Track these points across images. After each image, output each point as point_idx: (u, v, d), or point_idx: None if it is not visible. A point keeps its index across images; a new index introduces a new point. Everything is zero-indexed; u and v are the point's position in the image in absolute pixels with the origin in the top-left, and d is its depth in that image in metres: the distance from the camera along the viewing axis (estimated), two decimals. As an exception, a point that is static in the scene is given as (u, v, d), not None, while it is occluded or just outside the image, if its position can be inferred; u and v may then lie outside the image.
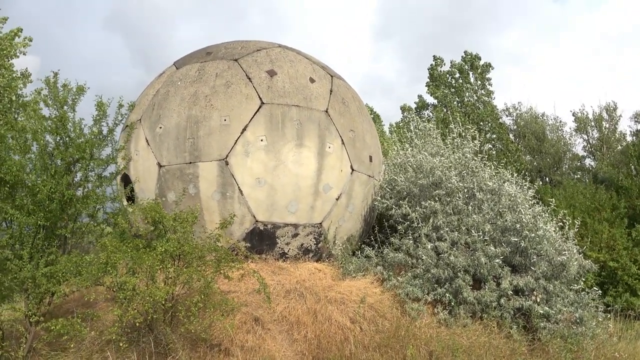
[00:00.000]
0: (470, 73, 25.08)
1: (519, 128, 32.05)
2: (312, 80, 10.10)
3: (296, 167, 9.28)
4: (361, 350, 6.31)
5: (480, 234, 7.97)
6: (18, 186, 5.96)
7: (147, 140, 9.57)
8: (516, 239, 8.08)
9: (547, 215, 8.65)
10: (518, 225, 8.14)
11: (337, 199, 9.78)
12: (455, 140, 9.92)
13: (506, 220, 8.38)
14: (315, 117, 9.66)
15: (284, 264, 9.33)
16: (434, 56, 24.90)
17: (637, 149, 17.51)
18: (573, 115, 41.63)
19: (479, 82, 25.05)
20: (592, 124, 41.82)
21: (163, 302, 5.60)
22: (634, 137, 36.83)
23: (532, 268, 7.92)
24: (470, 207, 8.51)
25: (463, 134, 10.06)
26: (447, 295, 7.71)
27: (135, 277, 5.58)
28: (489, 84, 24.75)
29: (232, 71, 9.76)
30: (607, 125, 41.68)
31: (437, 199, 8.68)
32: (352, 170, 10.00)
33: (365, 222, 10.74)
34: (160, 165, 9.32)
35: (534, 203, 8.77)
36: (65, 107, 6.53)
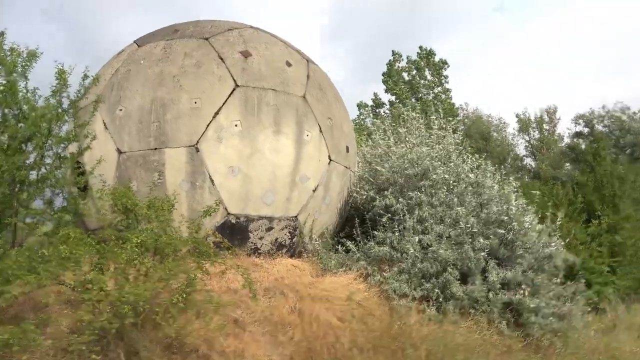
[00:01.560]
0: (427, 69, 25.26)
1: (466, 128, 32.86)
2: (288, 64, 9.49)
3: (273, 156, 8.65)
4: (355, 352, 5.83)
5: (469, 226, 7.71)
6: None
7: (104, 124, 8.58)
8: (503, 231, 7.90)
9: (530, 208, 8.55)
10: (505, 218, 7.96)
11: (313, 191, 9.24)
12: (437, 132, 9.66)
13: (491, 213, 8.19)
14: (293, 102, 9.06)
15: (258, 260, 8.67)
16: (392, 51, 24.91)
17: (591, 147, 18.20)
18: (516, 116, 43.39)
19: (435, 79, 25.30)
20: (534, 125, 43.85)
21: (141, 303, 4.83)
22: (575, 139, 38.96)
23: (519, 261, 7.76)
24: (456, 199, 8.24)
25: (444, 126, 9.83)
26: (436, 290, 7.39)
27: (105, 275, 4.78)
28: (446, 82, 25.03)
29: (203, 50, 8.97)
30: (547, 127, 43.85)
31: (422, 190, 8.35)
32: (330, 160, 9.50)
33: (340, 216, 10.27)
34: (120, 152, 8.39)
35: (519, 196, 8.65)
36: (15, 75, 5.55)
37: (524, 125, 42.52)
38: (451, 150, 9.27)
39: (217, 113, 8.43)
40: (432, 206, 8.32)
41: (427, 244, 7.87)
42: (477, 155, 9.52)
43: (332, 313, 6.66)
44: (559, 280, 8.15)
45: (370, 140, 11.48)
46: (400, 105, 24.50)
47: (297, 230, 9.23)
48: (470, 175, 8.87)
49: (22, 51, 5.71)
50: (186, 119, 8.35)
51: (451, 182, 8.63)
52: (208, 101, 8.46)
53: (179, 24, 10.02)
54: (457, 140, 9.50)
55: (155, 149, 8.29)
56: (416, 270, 7.58)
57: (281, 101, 8.91)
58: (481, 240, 7.55)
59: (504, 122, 43.62)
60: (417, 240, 7.70)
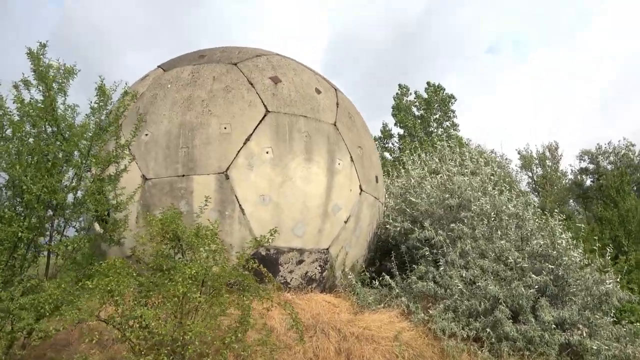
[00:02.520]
0: (436, 104, 25.22)
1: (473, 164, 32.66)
2: (317, 91, 9.20)
3: (305, 184, 8.22)
4: (416, 399, 5.24)
5: (519, 260, 7.21)
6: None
7: (129, 149, 8.15)
8: (552, 266, 7.40)
9: (576, 242, 8.09)
10: (554, 252, 7.48)
11: (345, 222, 8.77)
12: (470, 162, 9.29)
13: (535, 246, 7.71)
14: (324, 129, 8.71)
15: (288, 295, 8.10)
16: (399, 85, 24.91)
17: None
18: (518, 153, 43.46)
19: (443, 114, 25.23)
20: (537, 162, 43.86)
21: (197, 343, 4.26)
22: (581, 175, 38.86)
23: (573, 298, 7.24)
24: (499, 232, 7.77)
25: (474, 158, 9.47)
26: (487, 330, 6.82)
27: (153, 310, 4.23)
28: (454, 116, 24.96)
29: (232, 75, 8.67)
30: (550, 164, 43.88)
31: (463, 221, 7.89)
32: (361, 190, 9.07)
33: (369, 249, 9.76)
34: (145, 178, 7.93)
35: (564, 229, 8.20)
36: (54, 90, 5.14)
37: (526, 161, 42.53)
38: (486, 181, 8.86)
39: (248, 139, 8.04)
40: (474, 239, 7.84)
41: (471, 280, 7.34)
42: (514, 187, 9.09)
43: (381, 355, 6.07)
44: (611, 320, 7.61)
45: (395, 172, 11.08)
46: (408, 138, 24.34)
47: (327, 263, 8.70)
48: (510, 207, 8.42)
49: (61, 66, 5.33)
50: (216, 144, 7.95)
51: (492, 214, 8.18)
52: (238, 126, 8.09)
53: (205, 49, 9.77)
54: (493, 172, 9.09)
55: (183, 175, 7.84)
56: (463, 307, 7.03)
57: (312, 128, 8.56)
58: (533, 276, 7.03)
59: (507, 159, 43.69)
60: (463, 274, 7.17)
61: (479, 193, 8.16)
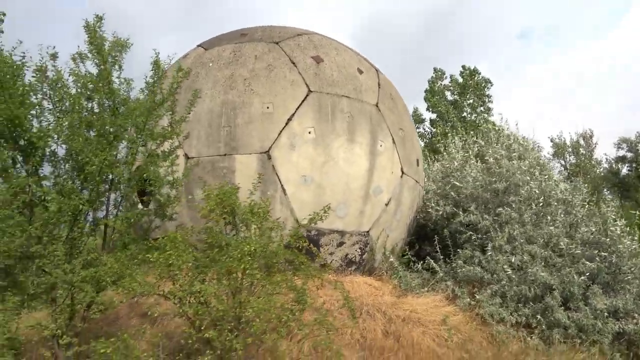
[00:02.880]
0: (470, 89, 24.63)
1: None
2: (360, 71, 9.01)
3: (347, 165, 8.09)
4: (469, 383, 5.12)
5: (573, 247, 6.96)
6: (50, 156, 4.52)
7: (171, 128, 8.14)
8: (605, 254, 7.12)
9: (629, 229, 7.76)
10: (607, 239, 7.19)
11: (386, 205, 8.62)
12: (519, 146, 8.99)
13: (586, 233, 7.42)
14: (366, 110, 8.54)
15: (330, 277, 8.02)
16: (434, 68, 24.38)
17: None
18: (551, 141, 42.31)
19: (477, 99, 24.63)
20: (569, 150, 42.58)
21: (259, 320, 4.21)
22: (617, 164, 37.64)
23: (627, 287, 6.96)
24: (548, 217, 7.51)
25: (523, 142, 9.16)
26: (538, 316, 6.62)
27: (213, 286, 4.20)
28: (489, 101, 24.35)
29: (274, 54, 8.55)
30: (584, 152, 42.56)
31: (511, 206, 7.65)
32: (402, 173, 8.89)
33: (408, 232, 9.59)
34: (187, 157, 7.92)
35: (618, 216, 7.86)
36: (110, 63, 5.11)
37: (559, 149, 41.32)
38: (534, 165, 8.57)
39: (290, 119, 7.94)
40: (521, 224, 7.60)
41: (519, 265, 7.13)
42: (563, 172, 8.77)
43: (430, 338, 5.95)
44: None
45: (430, 156, 10.81)
46: (441, 123, 23.87)
47: (368, 246, 8.58)
48: (558, 192, 8.12)
49: (113, 40, 5.29)
50: (258, 123, 7.87)
51: (541, 199, 7.90)
52: (281, 106, 7.99)
53: (246, 28, 9.67)
54: (541, 156, 8.79)
55: (225, 154, 7.81)
56: (512, 293, 6.84)
57: (355, 109, 8.39)
58: (587, 263, 6.78)
59: (539, 146, 42.52)
60: (512, 260, 6.96)
61: (527, 177, 7.88)
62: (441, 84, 24.50)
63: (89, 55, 4.95)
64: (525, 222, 7.56)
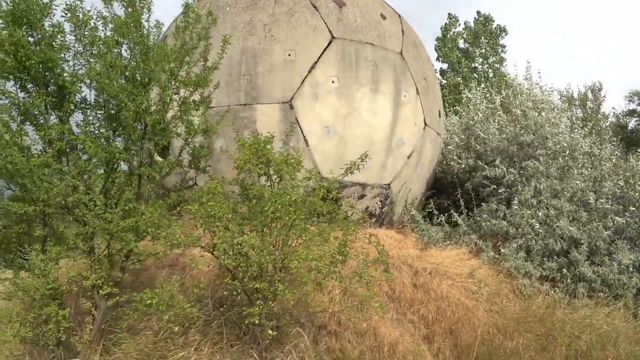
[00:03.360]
0: (483, 37, 23.84)
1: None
2: (383, 17, 8.59)
3: (370, 117, 7.87)
4: (500, 337, 5.14)
5: (603, 201, 6.87)
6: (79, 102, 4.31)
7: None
8: (633, 208, 7.03)
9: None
10: (635, 194, 7.08)
11: (408, 157, 8.46)
12: (543, 97, 8.72)
13: (617, 187, 7.31)
14: (390, 59, 8.21)
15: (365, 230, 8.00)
16: (449, 14, 23.52)
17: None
18: (559, 93, 41.55)
19: (490, 48, 23.91)
20: (577, 103, 41.89)
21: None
22: (625, 117, 37.16)
23: (654, 242, 6.93)
24: (575, 171, 7.38)
25: (547, 93, 8.87)
26: (564, 270, 6.61)
27: (253, 237, 4.11)
28: (503, 51, 23.64)
29: (294, -3, 8.11)
30: (592, 105, 41.88)
31: (539, 159, 7.50)
32: (425, 124, 8.67)
33: (427, 186, 9.49)
34: (207, 107, 7.66)
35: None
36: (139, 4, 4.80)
37: (567, 102, 40.64)
38: (561, 117, 8.34)
39: (312, 67, 7.64)
40: (548, 177, 7.47)
41: (544, 219, 7.06)
42: (587, 123, 8.56)
43: (458, 290, 5.96)
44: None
45: (452, 106, 10.54)
46: (451, 74, 23.30)
47: (388, 199, 8.50)
48: (584, 146, 7.95)
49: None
50: (280, 72, 7.58)
51: (567, 152, 7.74)
52: (303, 53, 7.66)
53: (262, -31, 9.13)
54: (564, 107, 8.54)
55: (246, 104, 7.57)
56: (538, 247, 6.81)
57: (379, 57, 8.06)
58: (617, 218, 6.70)
59: (549, 93, 41.84)
60: (539, 214, 6.88)
61: (555, 130, 7.68)
62: (454, 32, 23.71)
63: None
64: (552, 175, 7.43)
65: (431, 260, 6.72)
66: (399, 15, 9.27)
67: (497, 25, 23.97)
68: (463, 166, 8.43)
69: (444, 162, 9.49)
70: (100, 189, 4.34)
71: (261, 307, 4.01)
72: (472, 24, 23.70)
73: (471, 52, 23.23)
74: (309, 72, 7.61)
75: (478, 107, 9.51)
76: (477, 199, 8.02)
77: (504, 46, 23.74)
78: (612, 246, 7.04)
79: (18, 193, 4.12)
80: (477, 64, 23.34)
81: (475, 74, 22.88)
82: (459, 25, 23.71)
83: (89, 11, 4.33)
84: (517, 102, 8.55)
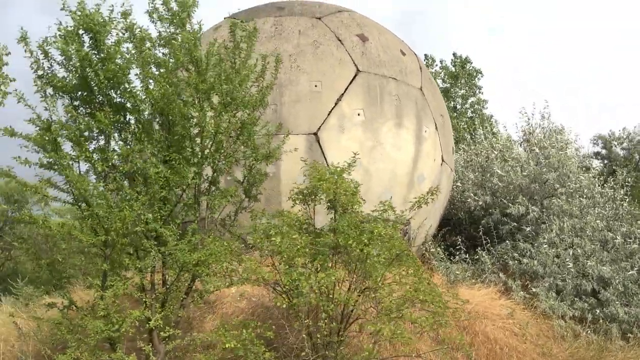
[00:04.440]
0: (462, 79, 24.64)
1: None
2: (403, 53, 8.66)
3: (394, 151, 7.78)
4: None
5: (631, 240, 6.94)
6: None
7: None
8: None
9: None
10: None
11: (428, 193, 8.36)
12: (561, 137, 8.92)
13: (633, 228, 7.44)
14: (412, 94, 8.23)
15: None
16: (425, 55, 24.20)
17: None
18: (523, 132, 43.27)
19: (468, 89, 24.71)
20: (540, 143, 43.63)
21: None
22: (589, 159, 38.91)
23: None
24: (596, 210, 7.47)
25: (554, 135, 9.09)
26: (597, 311, 6.57)
27: (332, 274, 3.82)
28: (480, 92, 24.47)
29: (318, 30, 8.07)
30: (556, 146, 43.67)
31: (561, 198, 7.56)
32: (443, 160, 8.66)
33: (439, 221, 9.42)
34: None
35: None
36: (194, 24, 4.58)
37: (507, 144, 42.24)
38: (573, 157, 8.52)
39: (339, 99, 7.54)
40: (570, 216, 7.53)
41: (573, 259, 7.05)
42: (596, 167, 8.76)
43: (503, 333, 5.77)
44: None
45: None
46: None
47: (407, 235, 8.32)
48: (597, 186, 8.11)
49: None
50: (306, 103, 7.43)
51: (585, 191, 7.86)
52: (329, 85, 7.56)
53: (281, 1, 9.11)
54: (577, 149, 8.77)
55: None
56: (569, 287, 6.76)
57: (402, 92, 8.06)
58: (644, 257, 6.78)
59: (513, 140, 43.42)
60: (570, 253, 6.87)
61: (575, 168, 7.82)
62: (433, 72, 24.38)
63: (161, 10, 4.38)
64: (575, 214, 7.49)
65: (464, 299, 6.52)
66: (415, 53, 9.38)
67: (473, 67, 24.90)
68: (480, 203, 8.40)
69: (457, 198, 9.46)
70: (166, 218, 3.96)
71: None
72: (448, 64, 24.50)
73: (452, 92, 23.90)
74: (336, 104, 7.50)
75: (494, 144, 9.63)
76: (492, 236, 7.98)
77: (481, 87, 24.61)
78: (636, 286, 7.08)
79: (75, 223, 3.68)
80: (457, 104, 24.00)
81: (455, 113, 23.48)
82: (436, 65, 24.43)
83: (145, 29, 4.08)
84: (535, 141, 8.71)
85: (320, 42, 7.88)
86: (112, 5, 3.86)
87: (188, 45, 4.26)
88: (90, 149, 3.64)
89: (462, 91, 24.06)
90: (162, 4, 4.46)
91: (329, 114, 7.43)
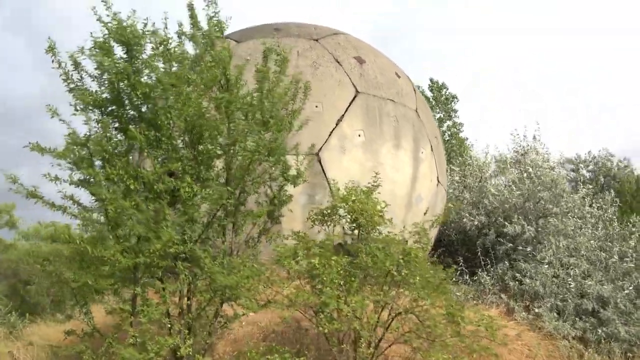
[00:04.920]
0: (433, 102, 25.22)
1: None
2: (398, 76, 8.78)
3: (393, 172, 7.79)
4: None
5: (629, 259, 7.09)
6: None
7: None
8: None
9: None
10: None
11: (424, 214, 8.40)
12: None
13: (630, 247, 7.63)
14: (409, 116, 8.31)
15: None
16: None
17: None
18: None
19: (445, 113, 25.30)
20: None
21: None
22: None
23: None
24: (590, 230, 7.64)
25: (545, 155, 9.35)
26: (598, 330, 6.64)
27: (363, 297, 3.72)
28: (456, 116, 25.06)
29: (317, 52, 8.11)
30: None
31: (556, 217, 7.70)
32: (438, 181, 8.73)
33: (430, 242, 9.43)
34: (228, 156, 7.25)
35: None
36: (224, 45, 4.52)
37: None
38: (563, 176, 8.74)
39: (340, 120, 7.53)
40: (565, 236, 7.67)
41: (574, 278, 7.15)
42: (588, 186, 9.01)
43: (516, 356, 5.74)
44: None
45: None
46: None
47: (405, 256, 8.29)
48: (587, 207, 8.33)
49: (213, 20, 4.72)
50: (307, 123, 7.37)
51: (576, 210, 8.04)
52: (330, 106, 7.56)
53: (277, 23, 9.13)
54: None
55: (272, 155, 7.22)
56: (570, 307, 6.82)
57: (400, 113, 8.14)
58: (640, 276, 6.92)
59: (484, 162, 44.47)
60: (571, 273, 6.96)
61: (568, 187, 8.01)
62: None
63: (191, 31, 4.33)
64: (569, 234, 7.63)
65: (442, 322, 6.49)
66: (407, 76, 9.52)
67: (449, 92, 25.59)
68: (476, 223, 8.47)
69: (450, 219, 9.53)
70: (196, 240, 3.78)
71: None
72: (425, 89, 25.07)
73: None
74: (337, 124, 7.49)
75: (487, 163, 9.80)
76: (488, 256, 8.05)
77: (457, 111, 25.23)
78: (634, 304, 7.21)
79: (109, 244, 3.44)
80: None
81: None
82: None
83: (181, 47, 4.00)
84: (529, 160, 8.91)
85: (320, 63, 7.90)
86: (147, 18, 3.76)
87: (222, 65, 4.21)
88: (121, 166, 3.46)
89: (440, 115, 24.62)
90: (191, 26, 4.44)
91: (330, 135, 7.41)
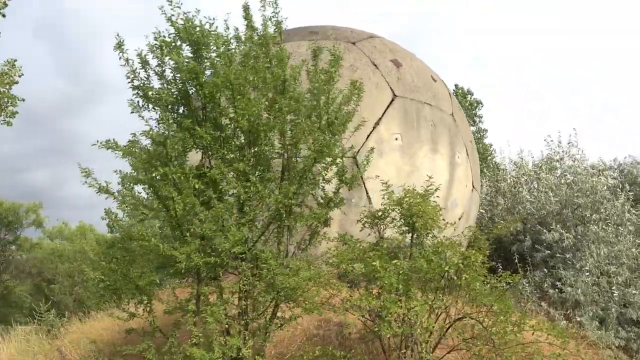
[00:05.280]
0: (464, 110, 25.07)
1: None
2: (433, 79, 8.73)
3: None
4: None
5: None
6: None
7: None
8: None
9: None
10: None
11: (459, 219, 8.31)
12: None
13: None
14: (446, 120, 8.26)
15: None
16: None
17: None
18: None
19: (470, 119, 25.10)
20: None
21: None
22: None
23: None
24: (631, 237, 7.47)
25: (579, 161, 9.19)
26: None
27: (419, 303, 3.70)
28: (481, 122, 24.84)
29: (354, 55, 8.11)
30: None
31: (596, 224, 7.55)
32: (473, 187, 8.65)
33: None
34: (265, 157, 7.28)
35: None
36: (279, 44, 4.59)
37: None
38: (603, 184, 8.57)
39: (377, 123, 7.51)
40: (606, 243, 7.51)
41: (614, 287, 6.99)
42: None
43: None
44: None
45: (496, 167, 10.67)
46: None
47: (439, 262, 8.22)
48: (627, 214, 8.14)
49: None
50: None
51: (615, 217, 7.88)
52: (368, 109, 7.52)
53: (313, 26, 9.17)
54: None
55: (310, 157, 7.24)
56: (613, 316, 6.68)
57: (437, 117, 8.08)
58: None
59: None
60: (613, 281, 6.82)
61: (608, 194, 7.85)
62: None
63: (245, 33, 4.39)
64: (609, 241, 7.48)
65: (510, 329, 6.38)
66: (443, 80, 9.47)
67: (474, 98, 25.39)
68: (511, 229, 8.35)
69: (483, 224, 9.42)
70: (258, 239, 3.80)
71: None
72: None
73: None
74: (374, 127, 7.47)
75: (524, 169, 9.68)
76: (529, 264, 7.91)
77: (481, 116, 25.01)
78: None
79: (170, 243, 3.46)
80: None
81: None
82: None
83: (245, 48, 4.03)
84: (566, 166, 8.77)
85: (357, 66, 7.90)
86: (214, 18, 3.80)
87: (281, 65, 4.25)
88: (185, 165, 3.49)
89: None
90: (245, 26, 4.49)
91: (367, 138, 7.39)
